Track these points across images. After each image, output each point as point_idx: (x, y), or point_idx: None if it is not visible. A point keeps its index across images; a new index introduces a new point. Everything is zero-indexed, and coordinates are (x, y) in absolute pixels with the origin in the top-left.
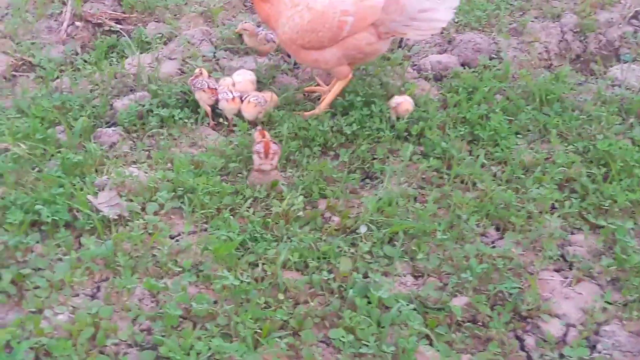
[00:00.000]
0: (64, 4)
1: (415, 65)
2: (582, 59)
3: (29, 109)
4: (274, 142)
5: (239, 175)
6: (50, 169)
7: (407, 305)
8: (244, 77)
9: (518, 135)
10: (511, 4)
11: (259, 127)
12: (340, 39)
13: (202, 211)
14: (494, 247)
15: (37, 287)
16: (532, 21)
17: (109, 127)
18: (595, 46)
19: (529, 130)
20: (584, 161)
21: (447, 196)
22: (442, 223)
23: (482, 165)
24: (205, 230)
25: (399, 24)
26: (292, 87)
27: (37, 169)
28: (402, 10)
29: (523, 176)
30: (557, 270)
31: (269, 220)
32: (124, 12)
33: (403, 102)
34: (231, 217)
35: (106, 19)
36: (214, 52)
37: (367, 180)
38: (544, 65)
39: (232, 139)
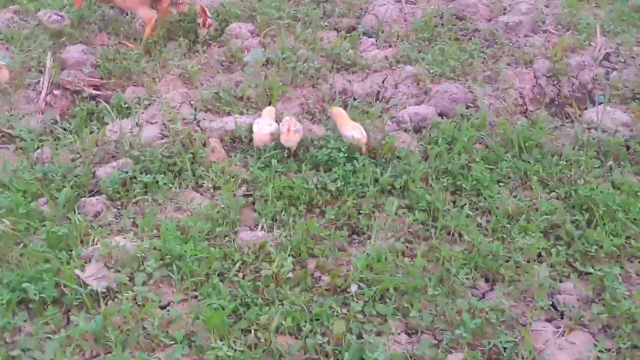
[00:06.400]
0: (41, 72)
1: (394, 117)
2: (556, 102)
3: (10, 182)
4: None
5: (226, 238)
6: (35, 243)
7: None
8: None
9: (500, 184)
10: (484, 52)
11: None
12: None
13: (192, 279)
14: (485, 299)
15: None
16: (505, 68)
17: (93, 196)
18: (568, 89)
19: (510, 178)
20: (567, 207)
21: (435, 249)
22: (432, 278)
23: (467, 216)
24: (196, 297)
25: None
26: (271, 145)
27: (22, 244)
28: None
29: (508, 225)
30: (549, 320)
31: (259, 283)
32: (101, 78)
33: (360, 139)
34: (220, 283)
35: (84, 85)
36: (195, 114)
37: (355, 236)
38: (520, 111)
39: (217, 201)
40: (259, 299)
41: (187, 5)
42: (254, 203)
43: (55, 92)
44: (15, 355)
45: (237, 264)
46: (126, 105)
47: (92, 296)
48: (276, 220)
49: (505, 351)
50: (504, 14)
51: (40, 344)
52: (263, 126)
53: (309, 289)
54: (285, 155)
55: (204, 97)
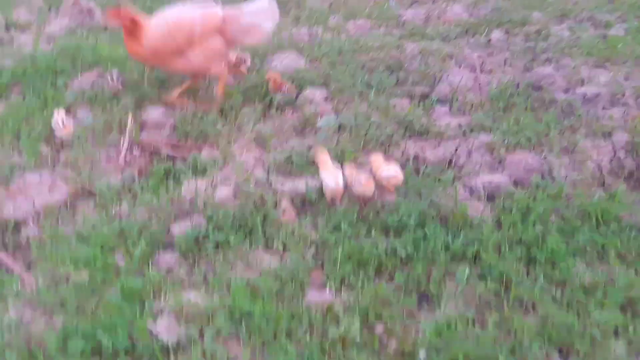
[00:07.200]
0: (122, 132)
1: (467, 185)
2: (635, 176)
3: (89, 236)
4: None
5: (295, 298)
6: (110, 296)
7: None
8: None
9: (576, 257)
10: (561, 123)
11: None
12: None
13: (260, 337)
14: None
15: None
16: (582, 140)
17: (166, 251)
18: None
19: (586, 251)
20: None
21: (506, 320)
22: (503, 348)
23: (541, 288)
24: (263, 356)
25: (237, 33)
26: (341, 208)
27: (97, 296)
28: (239, 24)
29: (584, 299)
30: None
31: (326, 345)
32: (179, 140)
33: (394, 177)
34: (288, 342)
35: (162, 146)
36: (267, 176)
37: (424, 303)
38: (597, 184)
39: (287, 261)
40: None
41: (246, 67)
42: (322, 265)
43: (135, 151)
44: None
45: (305, 325)
46: (202, 166)
47: (163, 349)
48: (344, 283)
49: None
50: (582, 85)
51: None
52: (336, 178)
53: (376, 353)
54: (355, 218)
55: (276, 160)
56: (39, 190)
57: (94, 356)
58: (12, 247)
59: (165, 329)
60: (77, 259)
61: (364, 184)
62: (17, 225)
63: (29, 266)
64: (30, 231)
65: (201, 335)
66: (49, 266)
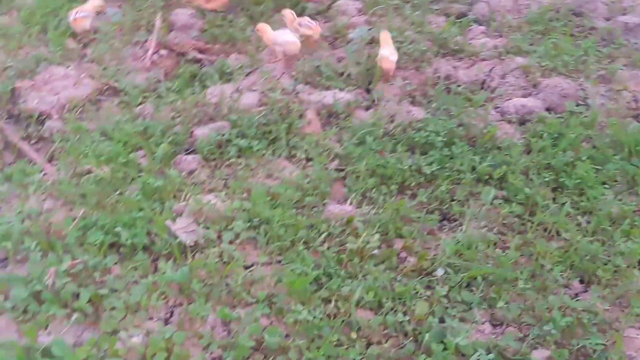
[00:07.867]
0: (150, 32)
1: (498, 107)
2: None
3: (112, 133)
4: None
5: (315, 208)
6: (131, 192)
7: (486, 354)
8: None
9: (605, 185)
10: (599, 51)
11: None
12: None
13: (277, 243)
14: (578, 300)
15: (113, 308)
16: (621, 69)
17: (189, 154)
18: None
19: (616, 181)
20: None
21: (529, 244)
22: (524, 271)
23: (567, 214)
24: (280, 262)
25: None
26: (368, 123)
27: (118, 191)
28: None
29: (610, 228)
30: None
31: (344, 256)
32: (207, 43)
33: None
34: (305, 250)
35: (190, 48)
36: (294, 85)
37: (445, 222)
38: (632, 115)
39: (309, 172)
40: (342, 271)
41: None
42: (344, 178)
43: (162, 52)
44: (103, 294)
45: (323, 235)
46: (228, 71)
47: (181, 248)
48: (366, 197)
49: (594, 353)
50: (624, 14)
51: (128, 286)
52: (288, 35)
53: (393, 268)
54: (381, 134)
55: (305, 69)
56: (64, 84)
57: (112, 249)
58: (35, 139)
59: (184, 229)
60: (100, 154)
61: (312, 27)
62: (41, 118)
63: (51, 158)
64: (53, 124)
65: (219, 237)
66: (71, 159)
